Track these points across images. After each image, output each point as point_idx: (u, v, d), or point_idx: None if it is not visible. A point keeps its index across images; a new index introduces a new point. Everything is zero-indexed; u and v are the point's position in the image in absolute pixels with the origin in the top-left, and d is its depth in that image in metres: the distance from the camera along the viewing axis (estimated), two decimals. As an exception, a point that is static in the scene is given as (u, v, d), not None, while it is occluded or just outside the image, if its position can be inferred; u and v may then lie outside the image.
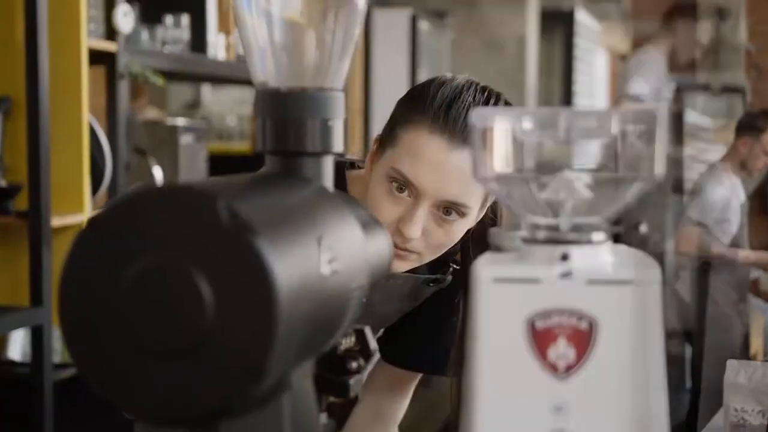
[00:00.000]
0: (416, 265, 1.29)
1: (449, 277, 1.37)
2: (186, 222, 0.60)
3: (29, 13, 2.31)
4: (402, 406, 1.49)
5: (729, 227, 4.25)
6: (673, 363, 4.14)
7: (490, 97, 1.26)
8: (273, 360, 0.60)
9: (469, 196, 1.23)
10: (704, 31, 4.67)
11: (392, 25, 4.75)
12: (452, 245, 1.29)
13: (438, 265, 1.37)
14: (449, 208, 1.24)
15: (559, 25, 7.03)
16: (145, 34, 2.90)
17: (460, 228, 1.26)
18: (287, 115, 0.79)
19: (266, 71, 0.81)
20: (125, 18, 2.61)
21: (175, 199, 0.61)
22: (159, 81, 2.69)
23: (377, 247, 0.83)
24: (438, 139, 1.21)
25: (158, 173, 2.89)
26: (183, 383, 0.60)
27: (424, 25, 4.92)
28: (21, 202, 2.37)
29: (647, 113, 0.67)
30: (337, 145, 0.81)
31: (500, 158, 0.70)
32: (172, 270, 0.59)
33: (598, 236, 0.69)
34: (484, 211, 1.32)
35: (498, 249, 0.76)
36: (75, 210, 2.45)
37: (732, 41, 8.47)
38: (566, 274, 0.67)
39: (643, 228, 3.87)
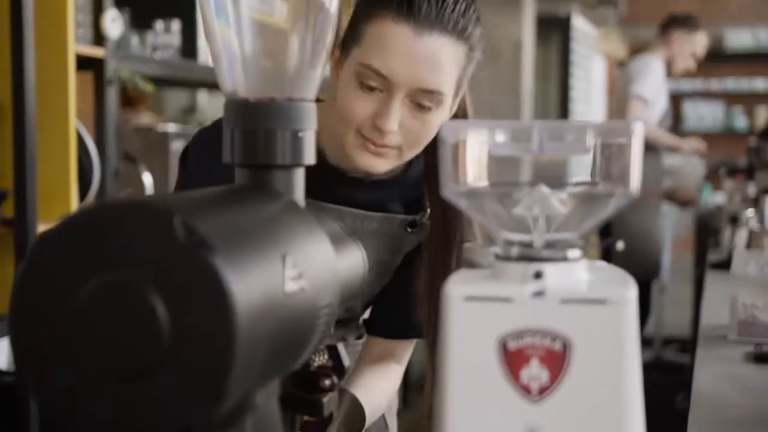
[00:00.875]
0: (396, 162, 1.26)
1: (427, 222, 1.34)
2: (142, 238, 0.58)
3: (15, 18, 2.28)
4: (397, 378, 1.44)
5: (659, 108, 4.42)
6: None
7: None
8: (232, 382, 0.58)
9: (442, 82, 1.20)
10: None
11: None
12: (431, 136, 1.25)
13: (413, 206, 1.36)
14: (423, 99, 1.21)
15: (556, 31, 7.02)
16: (135, 40, 2.87)
17: (436, 119, 1.23)
18: (256, 126, 0.77)
19: (235, 81, 0.79)
20: (113, 23, 2.59)
21: (131, 215, 0.58)
22: (148, 87, 2.67)
23: (349, 261, 0.80)
24: (404, 27, 1.18)
25: (148, 180, 2.86)
26: (139, 406, 0.57)
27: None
28: (7, 210, 2.34)
29: (623, 128, 0.65)
30: (309, 157, 0.79)
31: (472, 172, 0.68)
32: (127, 288, 0.57)
33: (573, 253, 0.67)
34: (458, 101, 1.29)
35: (471, 265, 0.74)
36: (62, 217, 2.42)
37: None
38: (539, 293, 0.64)
39: (620, 245, 3.89)
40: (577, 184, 0.69)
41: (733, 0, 9.67)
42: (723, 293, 2.04)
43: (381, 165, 1.25)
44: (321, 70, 0.80)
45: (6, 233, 2.35)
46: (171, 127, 3.08)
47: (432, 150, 1.28)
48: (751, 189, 4.09)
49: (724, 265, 2.78)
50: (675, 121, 9.88)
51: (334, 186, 1.33)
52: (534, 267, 0.65)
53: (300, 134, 0.77)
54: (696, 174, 4.80)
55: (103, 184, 2.60)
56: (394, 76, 1.19)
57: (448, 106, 1.25)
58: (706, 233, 4.74)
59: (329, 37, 0.80)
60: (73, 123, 2.43)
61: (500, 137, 0.67)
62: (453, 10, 1.20)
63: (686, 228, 6.07)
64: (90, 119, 2.62)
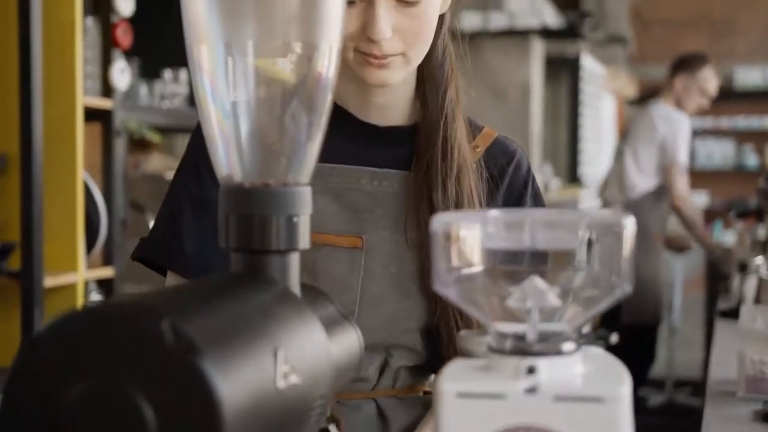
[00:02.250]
0: (407, 68, 1.19)
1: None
2: (130, 342, 0.57)
3: (24, 70, 2.30)
4: None
5: None
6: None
7: None
8: (221, 485, 0.57)
9: None
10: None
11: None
12: (431, 30, 1.18)
13: None
14: None
15: (565, 71, 7.03)
16: (143, 89, 2.89)
17: (429, 7, 1.16)
18: (251, 212, 0.77)
19: (230, 165, 0.78)
20: (122, 75, 2.61)
21: (119, 319, 0.58)
22: (155, 137, 2.69)
23: (344, 345, 0.80)
24: None
25: (155, 229, 2.86)
26: None
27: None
28: (14, 262, 2.35)
29: (614, 222, 0.65)
30: (303, 241, 0.78)
31: (463, 264, 0.68)
32: (114, 393, 0.57)
33: (568, 346, 0.66)
34: None
35: (466, 353, 0.73)
36: (69, 269, 2.43)
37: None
38: (532, 390, 0.64)
39: (614, 338, 3.88)
40: (572, 273, 0.69)
41: (743, 38, 9.70)
42: (732, 345, 2.02)
43: (391, 75, 1.18)
44: (317, 151, 0.80)
45: (12, 285, 2.35)
46: (179, 175, 3.08)
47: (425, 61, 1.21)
48: (762, 231, 4.07)
49: (734, 313, 2.76)
50: (685, 159, 9.87)
51: (351, 141, 1.26)
52: (527, 362, 0.65)
53: (295, 219, 0.77)
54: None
55: (110, 235, 2.61)
56: None
57: None
58: (717, 276, 4.71)
59: (323, 122, 0.80)
60: (81, 175, 2.44)
61: (492, 229, 0.67)
62: None
63: (697, 268, 6.04)
64: (98, 170, 2.64)
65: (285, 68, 0.78)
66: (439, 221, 0.67)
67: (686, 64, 4.44)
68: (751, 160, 9.76)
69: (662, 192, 4.40)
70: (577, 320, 0.67)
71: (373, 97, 1.25)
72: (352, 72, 1.19)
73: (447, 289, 0.68)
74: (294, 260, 0.78)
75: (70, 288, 2.45)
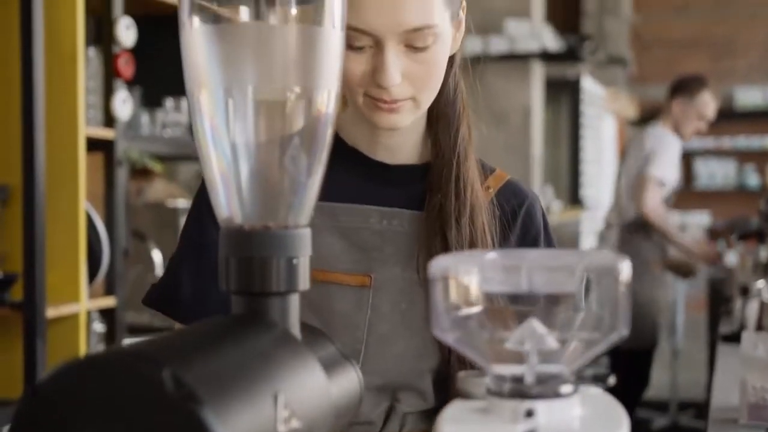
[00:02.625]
0: (416, 112, 1.18)
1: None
2: (131, 391, 0.58)
3: (27, 101, 2.32)
4: None
5: (669, 187, 4.41)
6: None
7: None
8: None
9: (428, 14, 1.11)
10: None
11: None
12: (441, 74, 1.17)
13: None
14: (415, 40, 1.12)
15: (565, 93, 7.06)
16: (145, 118, 2.91)
17: (438, 53, 1.14)
18: (252, 254, 0.77)
19: (230, 208, 0.79)
20: (124, 105, 2.62)
21: (121, 367, 0.59)
22: (156, 167, 2.70)
23: (343, 385, 0.80)
24: None
25: (157, 257, 2.88)
26: None
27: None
28: (16, 293, 2.35)
29: (611, 266, 0.65)
30: (303, 283, 0.79)
31: (461, 307, 0.68)
32: (116, 442, 0.57)
33: (566, 389, 0.67)
34: (462, 25, 1.21)
35: (465, 395, 0.74)
36: (71, 299, 2.44)
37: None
38: (530, 433, 0.64)
39: (612, 380, 3.88)
40: (569, 315, 0.69)
41: (743, 58, 9.73)
42: (734, 370, 2.02)
43: (401, 120, 1.17)
44: (316, 193, 0.81)
45: (15, 316, 2.35)
46: (181, 203, 3.10)
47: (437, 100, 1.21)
48: (763, 253, 4.06)
49: (736, 337, 2.76)
50: (687, 180, 9.92)
51: (361, 180, 1.25)
52: (525, 405, 0.65)
53: (294, 261, 0.78)
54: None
55: (113, 264, 2.61)
56: (375, 28, 1.10)
57: (447, 34, 1.16)
58: (719, 298, 4.71)
59: (322, 165, 0.81)
60: (83, 206, 2.45)
61: (489, 272, 0.68)
62: None
63: (699, 288, 6.04)
64: (99, 199, 2.65)
65: (284, 112, 0.79)
66: (437, 265, 0.68)
67: (684, 87, 4.45)
68: (753, 179, 9.77)
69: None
70: (575, 362, 0.68)
71: (383, 138, 1.25)
72: (362, 114, 1.19)
73: (445, 333, 0.68)
74: (294, 302, 0.79)
75: (73, 318, 2.45)
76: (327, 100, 0.80)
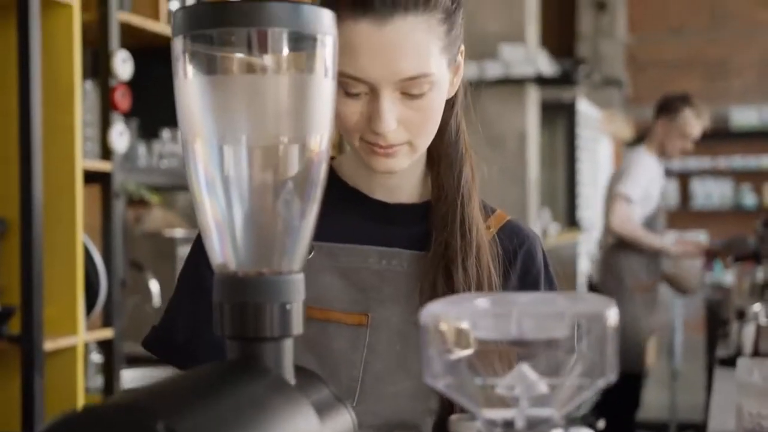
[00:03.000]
0: (412, 156, 1.18)
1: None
2: (126, 443, 0.59)
3: (24, 134, 2.33)
4: None
5: (649, 204, 4.38)
6: None
7: None
8: None
9: (424, 63, 1.12)
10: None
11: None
12: (437, 119, 1.17)
13: None
14: (411, 88, 1.12)
15: (561, 116, 7.09)
16: (142, 149, 2.92)
17: (435, 99, 1.15)
18: (245, 300, 0.78)
19: (225, 254, 0.80)
20: (120, 138, 2.64)
21: (116, 420, 0.60)
22: (153, 198, 2.71)
23: (337, 429, 0.81)
24: (364, 23, 1.10)
25: (155, 287, 2.88)
26: None
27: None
28: (14, 326, 2.36)
29: (598, 315, 0.66)
30: (297, 327, 0.80)
31: (453, 353, 0.69)
32: (112, 494, 0.58)
33: (556, 433, 0.68)
34: (460, 68, 1.22)
35: (458, 439, 0.75)
36: (69, 332, 2.44)
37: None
38: (521, 478, 0.65)
39: (601, 424, 3.87)
40: (559, 361, 0.70)
41: (738, 79, 9.78)
42: (731, 394, 2.02)
43: (397, 164, 1.18)
44: (309, 239, 0.82)
45: (13, 350, 2.36)
46: (178, 232, 3.11)
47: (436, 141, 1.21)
48: (760, 275, 4.07)
49: (733, 361, 2.76)
50: (684, 200, 9.95)
51: (361, 220, 1.26)
52: (516, 451, 0.66)
53: (288, 307, 0.79)
54: (695, 266, 4.77)
55: (110, 296, 2.62)
56: (370, 76, 1.11)
57: (444, 82, 1.17)
58: (716, 320, 4.71)
59: (314, 211, 0.82)
60: (80, 238, 2.46)
61: (480, 319, 0.69)
62: None
63: (698, 309, 6.04)
64: (97, 231, 2.66)
65: (277, 158, 0.80)
66: (428, 312, 0.69)
67: (666, 107, 4.46)
68: (749, 199, 9.80)
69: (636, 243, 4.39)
70: (565, 406, 0.69)
71: (381, 179, 1.26)
72: (362, 158, 1.20)
73: (436, 379, 0.69)
74: (288, 346, 0.80)
75: (70, 350, 2.46)
76: (320, 146, 0.81)
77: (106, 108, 2.63)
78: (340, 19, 1.14)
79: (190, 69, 0.78)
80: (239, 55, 0.81)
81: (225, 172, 0.79)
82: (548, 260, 1.32)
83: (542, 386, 0.68)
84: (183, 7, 0.78)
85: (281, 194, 0.81)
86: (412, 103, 1.13)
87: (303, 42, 0.78)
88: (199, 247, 1.29)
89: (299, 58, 0.79)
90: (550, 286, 1.30)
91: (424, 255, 1.23)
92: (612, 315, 0.67)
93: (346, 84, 1.12)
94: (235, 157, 0.79)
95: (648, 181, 4.38)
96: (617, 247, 4.37)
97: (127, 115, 2.78)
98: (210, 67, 0.78)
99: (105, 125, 2.63)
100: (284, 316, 0.78)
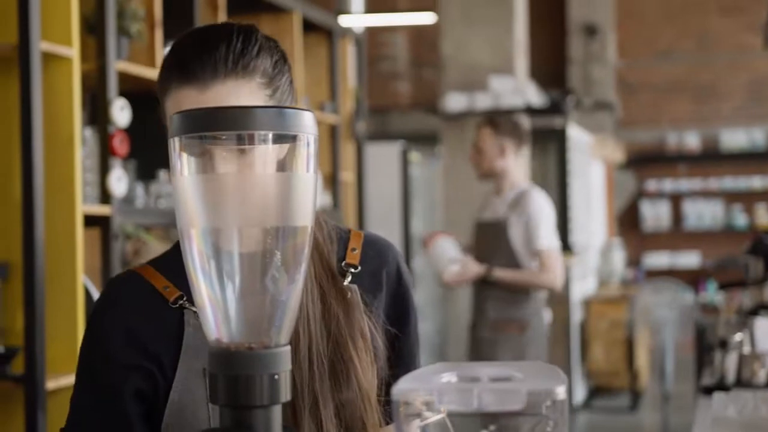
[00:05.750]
0: None
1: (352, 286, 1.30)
2: None
3: (26, 180, 2.42)
4: None
5: None
6: None
7: (222, 28, 1.23)
8: None
9: None
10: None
11: (384, 156, 4.89)
12: None
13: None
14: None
15: (552, 142, 7.18)
16: (140, 190, 3.01)
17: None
18: (237, 372, 0.87)
19: (218, 330, 0.89)
20: (119, 182, 2.73)
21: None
22: (150, 239, 2.80)
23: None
24: (189, 89, 1.19)
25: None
26: None
27: (415, 156, 5.06)
28: (17, 366, 2.44)
29: (549, 390, 0.75)
30: (285, 395, 0.89)
31: (421, 425, 0.78)
32: None
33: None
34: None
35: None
36: (70, 371, 2.52)
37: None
38: None
39: None
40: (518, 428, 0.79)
41: (727, 102, 9.90)
42: (711, 426, 2.09)
43: None
44: (295, 311, 0.91)
45: (16, 390, 2.44)
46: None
47: None
48: (747, 300, 4.13)
49: (716, 390, 2.83)
50: (676, 221, 10.05)
51: None
52: None
53: (276, 377, 0.88)
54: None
55: (110, 334, 2.70)
56: None
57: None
58: (705, 343, 4.79)
59: (300, 287, 0.91)
60: (81, 280, 2.55)
61: (445, 395, 0.77)
62: (228, 56, 1.20)
63: (688, 330, 6.10)
64: (96, 271, 2.74)
65: (265, 244, 0.89)
66: (398, 390, 0.78)
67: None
68: (740, 219, 9.90)
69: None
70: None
71: None
72: None
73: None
74: (276, 412, 0.89)
75: (72, 390, 2.54)
76: (304, 230, 0.90)
77: (105, 154, 2.72)
78: (169, 86, 1.22)
79: (185, 167, 0.87)
80: (229, 155, 0.90)
81: (217, 257, 0.88)
82: (403, 268, 1.37)
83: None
84: (179, 112, 0.87)
85: (268, 273, 0.90)
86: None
87: (286, 141, 0.88)
88: (97, 333, 1.28)
89: (283, 156, 0.88)
90: (408, 289, 1.36)
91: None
92: (561, 390, 0.75)
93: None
94: (226, 244, 0.88)
95: None
96: None
97: (125, 158, 2.87)
98: (203, 165, 0.88)
99: (104, 170, 2.72)
100: (273, 385, 0.87)
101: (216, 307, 0.89)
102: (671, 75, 9.97)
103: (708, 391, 3.04)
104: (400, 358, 1.33)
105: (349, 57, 4.61)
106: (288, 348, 0.89)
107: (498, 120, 4.06)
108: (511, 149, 3.94)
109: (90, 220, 2.67)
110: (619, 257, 8.71)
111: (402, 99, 9.21)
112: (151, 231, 3.09)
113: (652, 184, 10.11)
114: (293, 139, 0.88)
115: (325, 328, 1.26)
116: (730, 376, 2.87)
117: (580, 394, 6.70)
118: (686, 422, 5.61)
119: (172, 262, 1.22)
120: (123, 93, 2.81)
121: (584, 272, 7.80)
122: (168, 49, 1.27)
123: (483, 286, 3.92)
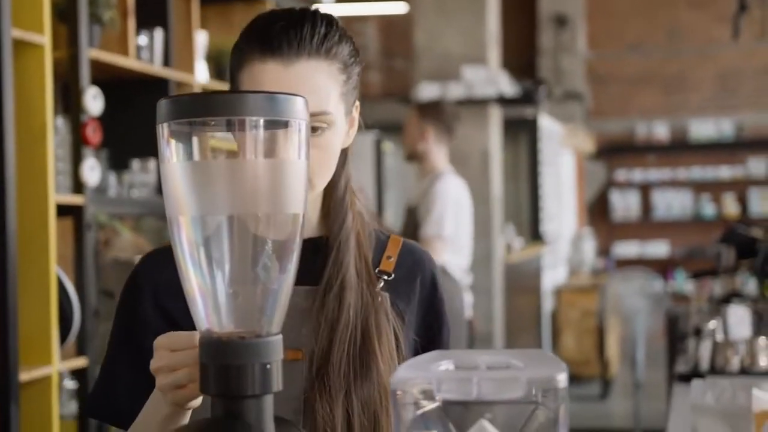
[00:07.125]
0: (310, 195, 1.21)
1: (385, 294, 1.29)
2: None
3: (-3, 171, 2.38)
4: None
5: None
6: None
7: (306, 11, 1.25)
8: None
9: (323, 102, 1.21)
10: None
11: (357, 146, 4.84)
12: (333, 163, 1.25)
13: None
14: (312, 121, 1.16)
15: (524, 132, 7.20)
16: (113, 180, 2.98)
17: (330, 139, 1.23)
18: (228, 362, 0.86)
19: (209, 320, 0.88)
20: (92, 172, 2.69)
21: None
22: (123, 230, 2.77)
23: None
24: (271, 63, 1.20)
25: (127, 315, 2.92)
26: None
27: (388, 146, 5.05)
28: (-11, 359, 2.40)
29: (550, 379, 0.74)
30: (276, 384, 0.87)
31: (418, 414, 0.77)
32: None
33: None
34: (355, 123, 1.30)
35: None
36: (43, 363, 2.49)
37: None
38: None
39: None
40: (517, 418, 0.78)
41: (695, 93, 9.97)
42: (688, 413, 2.09)
43: None
44: (286, 305, 0.90)
45: (-12, 382, 2.40)
46: (148, 260, 3.15)
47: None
48: (718, 288, 4.16)
49: (690, 377, 2.84)
50: (645, 210, 10.12)
51: None
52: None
53: (268, 366, 0.86)
54: None
55: (83, 325, 2.67)
56: None
57: (340, 125, 1.25)
58: (676, 332, 4.81)
59: (291, 276, 0.89)
60: (54, 271, 2.51)
61: (444, 383, 0.76)
62: (313, 37, 1.22)
63: (659, 320, 6.13)
64: (69, 261, 2.71)
65: (256, 231, 0.87)
66: (397, 378, 0.76)
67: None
68: (709, 209, 9.99)
69: None
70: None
71: None
72: None
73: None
74: (268, 402, 0.87)
75: (45, 380, 2.51)
76: (295, 218, 0.89)
77: (78, 143, 2.68)
78: (249, 58, 1.22)
79: (174, 154, 0.85)
80: (219, 141, 0.88)
81: (207, 245, 0.86)
82: (439, 280, 1.37)
83: (500, 441, 0.76)
84: (167, 97, 0.85)
85: (259, 262, 0.88)
86: (312, 140, 1.16)
87: (277, 127, 0.86)
88: (131, 296, 1.31)
89: (274, 142, 0.86)
90: (441, 304, 1.36)
91: (315, 289, 1.25)
92: (562, 378, 0.74)
93: None
94: (216, 233, 0.86)
95: None
96: None
97: (98, 148, 2.83)
98: (192, 152, 0.86)
99: (76, 160, 2.68)
100: (265, 375, 0.86)
101: (206, 296, 0.87)
102: (641, 66, 10.02)
103: (684, 378, 3.05)
104: None
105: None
106: (279, 337, 0.88)
107: (425, 105, 4.16)
108: (431, 134, 3.95)
109: (63, 210, 2.63)
110: (589, 247, 8.76)
111: (373, 89, 9.18)
112: (124, 221, 3.06)
113: (621, 174, 10.16)
114: (285, 125, 0.86)
115: (360, 324, 1.25)
116: (704, 364, 2.89)
117: None
118: (657, 410, 5.66)
119: None
120: (96, 81, 2.77)
121: (555, 262, 7.84)
122: (248, 24, 1.27)
123: None
